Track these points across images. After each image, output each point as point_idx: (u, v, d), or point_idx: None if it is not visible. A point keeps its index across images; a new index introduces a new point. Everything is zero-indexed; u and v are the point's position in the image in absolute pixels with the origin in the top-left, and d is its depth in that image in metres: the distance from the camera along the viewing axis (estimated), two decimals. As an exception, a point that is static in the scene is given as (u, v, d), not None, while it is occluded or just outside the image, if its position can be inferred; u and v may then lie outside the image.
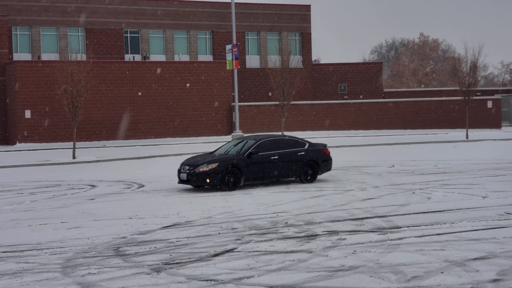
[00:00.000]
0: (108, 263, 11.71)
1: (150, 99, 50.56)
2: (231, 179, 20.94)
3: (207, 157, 21.79)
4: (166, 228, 14.95)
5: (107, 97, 48.98)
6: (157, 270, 11.02)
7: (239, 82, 43.10)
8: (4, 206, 19.20)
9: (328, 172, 23.49)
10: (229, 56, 40.60)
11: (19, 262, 11.94)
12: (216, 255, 12.06)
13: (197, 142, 46.65)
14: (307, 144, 22.85)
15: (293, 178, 22.47)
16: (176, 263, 11.53)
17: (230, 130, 51.75)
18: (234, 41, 40.31)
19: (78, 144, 39.82)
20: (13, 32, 51.66)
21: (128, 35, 55.61)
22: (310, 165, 22.42)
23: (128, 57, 55.29)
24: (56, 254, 12.56)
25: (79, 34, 53.86)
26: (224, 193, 20.67)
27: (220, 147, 23.64)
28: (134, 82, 50.00)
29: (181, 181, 21.23)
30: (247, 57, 59.58)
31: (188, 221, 15.76)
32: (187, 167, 21.06)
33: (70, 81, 34.81)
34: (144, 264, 11.51)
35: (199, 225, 15.20)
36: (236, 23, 40.65)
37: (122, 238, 13.95)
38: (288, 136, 23.43)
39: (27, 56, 51.90)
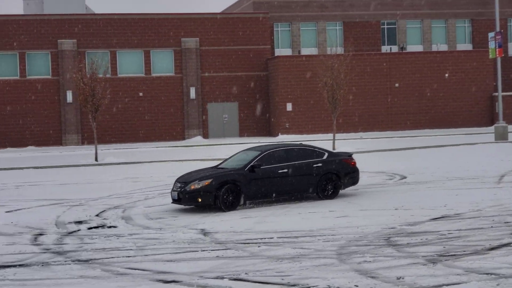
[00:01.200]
0: (381, 252, 11.81)
1: (407, 90, 50.14)
2: (229, 198, 17.75)
3: (202, 172, 18.80)
4: (434, 220, 14.75)
5: (364, 89, 49.43)
6: (433, 262, 10.89)
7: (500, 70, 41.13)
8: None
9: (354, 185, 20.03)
10: (491, 44, 38.89)
11: (295, 248, 12.48)
12: (492, 248, 11.64)
13: (456, 133, 45.39)
14: (326, 154, 19.55)
15: (310, 194, 19.19)
16: (451, 255, 11.31)
17: (491, 121, 49.67)
18: (498, 28, 38.53)
19: (336, 135, 40.65)
20: (274, 29, 54.07)
21: (385, 26, 55.54)
22: (330, 178, 19.09)
23: (384, 48, 55.26)
24: (329, 241, 12.94)
25: (337, 28, 54.90)
26: (489, 185, 19.87)
27: (231, 157, 20.23)
28: (391, 74, 49.90)
29: (173, 200, 18.32)
30: (510, 44, 56.64)
31: (457, 214, 15.41)
32: (179, 184, 18.15)
33: (330, 74, 35.69)
34: (418, 255, 11.44)
35: (469, 218, 14.79)
36: (498, 9, 38.79)
37: (391, 228, 14.01)
38: (304, 146, 19.99)
39: (287, 51, 54.01)
